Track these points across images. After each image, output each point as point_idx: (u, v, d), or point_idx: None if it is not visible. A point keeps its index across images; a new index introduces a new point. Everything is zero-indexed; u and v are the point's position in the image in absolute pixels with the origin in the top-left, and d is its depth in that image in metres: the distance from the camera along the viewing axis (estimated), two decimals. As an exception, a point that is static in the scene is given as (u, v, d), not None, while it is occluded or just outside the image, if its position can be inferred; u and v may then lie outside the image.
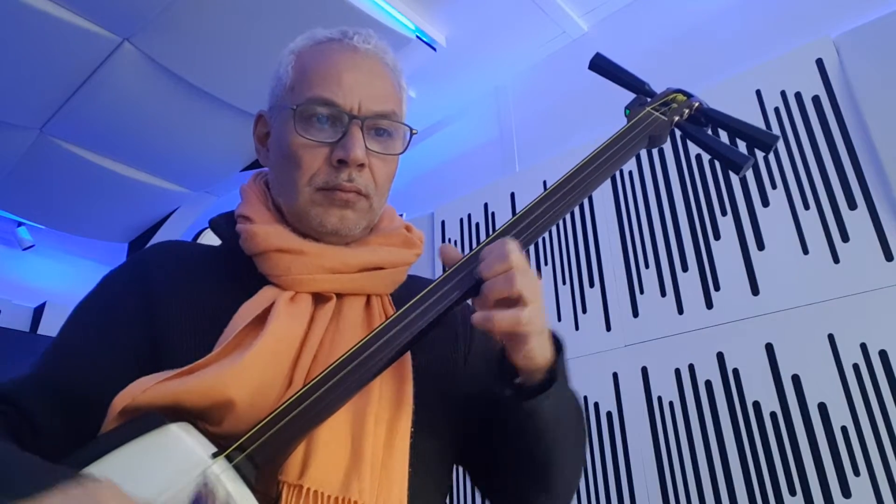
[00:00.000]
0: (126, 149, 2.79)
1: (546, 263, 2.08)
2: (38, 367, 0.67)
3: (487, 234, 0.65)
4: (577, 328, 1.93)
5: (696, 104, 0.81)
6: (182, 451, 0.52)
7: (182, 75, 2.33)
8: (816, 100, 1.65)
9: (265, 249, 0.69)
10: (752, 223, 1.66)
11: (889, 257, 1.44)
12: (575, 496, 1.79)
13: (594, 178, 0.69)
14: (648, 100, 0.81)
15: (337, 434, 0.59)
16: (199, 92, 2.42)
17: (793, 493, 1.41)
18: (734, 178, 1.74)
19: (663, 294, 1.77)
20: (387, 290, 0.75)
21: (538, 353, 0.61)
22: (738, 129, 0.78)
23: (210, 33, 2.17)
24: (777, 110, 1.70)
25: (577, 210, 2.05)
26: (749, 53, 1.88)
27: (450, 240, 2.41)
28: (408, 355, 0.67)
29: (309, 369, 0.63)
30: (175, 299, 0.69)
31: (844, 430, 1.39)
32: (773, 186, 1.66)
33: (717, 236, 1.72)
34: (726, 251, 1.69)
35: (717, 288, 1.68)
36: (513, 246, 0.60)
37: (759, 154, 1.70)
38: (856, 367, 1.41)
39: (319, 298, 0.69)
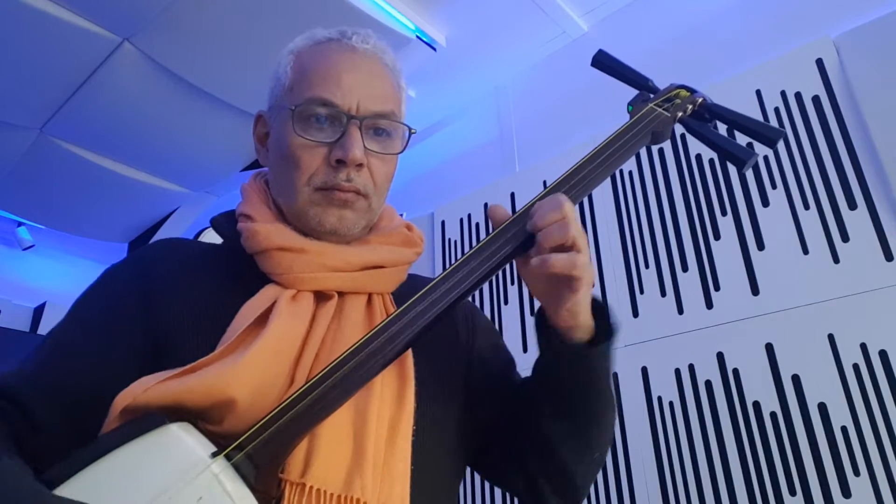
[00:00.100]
0: (126, 149, 2.79)
1: (546, 263, 2.08)
2: (39, 363, 0.66)
3: (487, 234, 0.65)
4: (577, 328, 1.92)
5: (700, 100, 0.81)
6: (182, 451, 0.52)
7: (182, 75, 2.33)
8: (816, 100, 1.65)
9: (267, 248, 0.70)
10: (752, 223, 1.66)
11: (889, 257, 1.44)
12: (575, 496, 1.79)
13: (594, 176, 0.69)
14: (651, 96, 0.81)
15: (339, 432, 0.59)
16: (199, 92, 2.42)
17: (793, 493, 1.41)
18: (734, 178, 1.74)
19: (663, 294, 1.77)
20: (388, 289, 0.75)
21: (583, 307, 0.62)
22: (742, 124, 0.78)
23: (210, 33, 2.17)
24: (777, 110, 1.70)
25: (576, 210, 2.05)
26: (749, 53, 1.88)
27: (450, 240, 2.41)
28: (409, 353, 0.67)
29: (311, 368, 0.63)
30: (176, 298, 0.69)
31: (844, 430, 1.39)
32: (773, 186, 1.66)
33: (717, 236, 1.72)
34: (726, 251, 1.69)
35: (717, 288, 1.68)
36: (565, 198, 0.62)
37: (760, 153, 1.70)
38: (856, 367, 1.41)
39: (321, 297, 0.69)
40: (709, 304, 1.68)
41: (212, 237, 0.82)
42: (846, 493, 1.35)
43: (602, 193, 2.02)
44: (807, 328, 1.50)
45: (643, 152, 1.96)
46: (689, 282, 1.73)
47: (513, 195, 2.25)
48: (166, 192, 3.11)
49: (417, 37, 2.28)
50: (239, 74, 2.35)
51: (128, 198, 3.12)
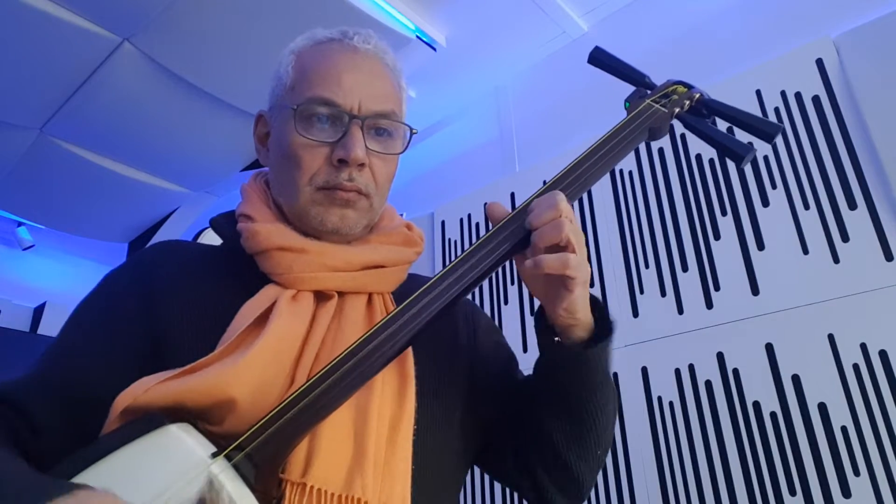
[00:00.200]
0: (126, 149, 2.79)
1: (546, 263, 2.08)
2: (39, 367, 0.67)
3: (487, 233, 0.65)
4: (577, 328, 1.92)
5: (697, 95, 0.80)
6: (182, 451, 0.52)
7: (182, 75, 2.33)
8: (816, 100, 1.65)
9: (267, 248, 0.70)
10: (752, 223, 1.66)
11: (889, 257, 1.44)
12: (575, 496, 1.79)
13: (592, 173, 0.69)
14: (648, 92, 0.81)
15: (340, 432, 0.59)
16: (199, 92, 2.42)
17: (793, 493, 1.41)
18: (734, 178, 1.74)
19: (663, 294, 1.77)
20: (388, 289, 0.75)
21: (580, 306, 0.63)
22: (740, 119, 0.78)
23: (210, 33, 2.17)
24: (777, 110, 1.70)
25: (576, 210, 2.05)
26: (749, 53, 1.88)
27: (450, 240, 2.41)
28: (409, 352, 0.67)
29: (311, 368, 0.63)
30: (176, 299, 0.69)
31: (844, 430, 1.39)
32: (773, 186, 1.66)
33: (717, 236, 1.72)
34: (726, 251, 1.69)
35: (717, 288, 1.68)
36: (561, 196, 0.62)
37: (760, 153, 1.70)
38: (856, 367, 1.41)
39: (321, 297, 0.69)
40: (709, 304, 1.68)
41: (212, 237, 0.82)
42: (846, 493, 1.35)
43: (602, 193, 2.02)
44: (807, 328, 1.50)
45: (643, 152, 1.96)
46: (689, 282, 1.73)
47: (513, 195, 2.25)
48: (166, 192, 3.11)
49: (417, 37, 2.28)
50: (239, 74, 2.35)
51: (128, 198, 3.12)
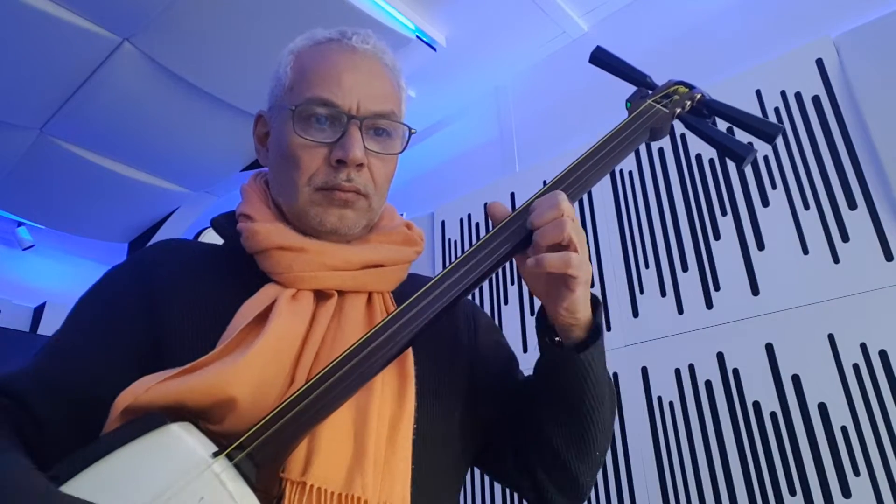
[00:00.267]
0: (126, 149, 2.79)
1: (546, 263, 2.08)
2: (40, 364, 0.67)
3: (487, 233, 0.65)
4: (577, 328, 1.92)
5: (698, 96, 0.81)
6: (183, 450, 0.52)
7: (182, 75, 2.33)
8: (816, 100, 1.65)
9: (267, 247, 0.70)
10: (752, 223, 1.67)
11: (889, 257, 1.44)
12: (575, 496, 1.79)
13: (593, 173, 0.69)
14: (650, 92, 0.81)
15: (340, 431, 0.59)
16: (199, 92, 2.42)
17: (793, 493, 1.41)
18: (734, 178, 1.74)
19: (663, 294, 1.77)
20: (388, 288, 0.75)
21: (581, 305, 0.63)
22: (740, 119, 0.78)
23: (210, 33, 2.17)
24: (777, 110, 1.70)
25: (576, 210, 2.05)
26: (749, 53, 1.88)
27: (450, 240, 2.41)
28: (409, 352, 0.67)
29: (311, 367, 0.63)
30: (176, 298, 0.69)
31: (844, 430, 1.39)
32: (773, 186, 1.66)
33: (717, 236, 1.72)
34: (726, 251, 1.69)
35: (717, 288, 1.68)
36: (563, 196, 0.62)
37: (760, 153, 1.70)
38: (856, 367, 1.41)
39: (321, 296, 0.69)
40: (709, 304, 1.68)
41: (212, 237, 0.82)
42: (846, 493, 1.35)
43: (602, 193, 2.02)
44: (807, 328, 1.50)
45: (643, 152, 1.96)
46: (689, 282, 1.73)
47: (513, 195, 2.25)
48: (166, 192, 3.11)
49: (417, 37, 2.28)
50: (239, 74, 2.35)
51: (128, 198, 3.12)
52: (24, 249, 3.62)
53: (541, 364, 0.70)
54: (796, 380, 1.48)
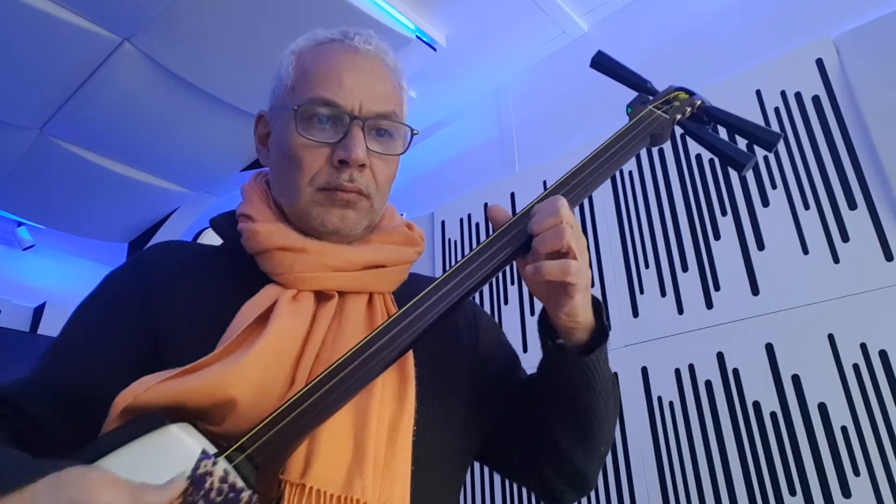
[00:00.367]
0: (126, 149, 2.79)
1: (546, 263, 2.08)
2: (39, 368, 0.67)
3: (487, 235, 0.65)
4: (577, 328, 1.92)
5: (699, 102, 0.81)
6: (182, 451, 0.52)
7: (182, 75, 2.33)
8: (816, 100, 1.65)
9: (267, 248, 0.70)
10: (752, 223, 1.67)
11: (889, 257, 1.44)
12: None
13: (593, 178, 0.69)
14: (650, 98, 0.81)
15: (339, 433, 0.59)
16: (199, 92, 2.42)
17: (793, 493, 1.41)
18: (734, 178, 1.74)
19: (663, 294, 1.77)
20: (389, 288, 0.75)
21: (581, 310, 0.63)
22: (740, 127, 0.78)
23: (210, 33, 2.16)
24: (777, 110, 1.70)
25: (577, 210, 2.05)
26: (749, 53, 1.88)
27: (450, 240, 2.41)
28: (409, 353, 0.67)
29: (311, 368, 0.63)
30: (176, 299, 0.69)
31: (844, 430, 1.39)
32: (773, 186, 1.66)
33: (717, 236, 1.72)
34: (726, 251, 1.69)
35: (717, 288, 1.68)
36: (563, 202, 0.63)
37: (760, 153, 1.70)
38: (856, 367, 1.41)
39: (322, 296, 0.69)
40: (709, 304, 1.68)
41: (212, 238, 0.82)
42: (846, 493, 1.35)
43: (602, 194, 2.02)
44: (807, 328, 1.50)
45: (643, 152, 1.96)
46: (689, 282, 1.73)
47: (513, 195, 2.25)
48: (166, 192, 3.11)
49: (417, 37, 2.28)
50: (239, 74, 2.35)
51: (128, 198, 3.12)
52: (24, 249, 3.62)
53: (545, 365, 0.70)
54: (796, 380, 1.48)
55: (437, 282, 0.62)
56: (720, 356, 1.61)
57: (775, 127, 1.68)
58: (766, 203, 1.66)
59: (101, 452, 0.52)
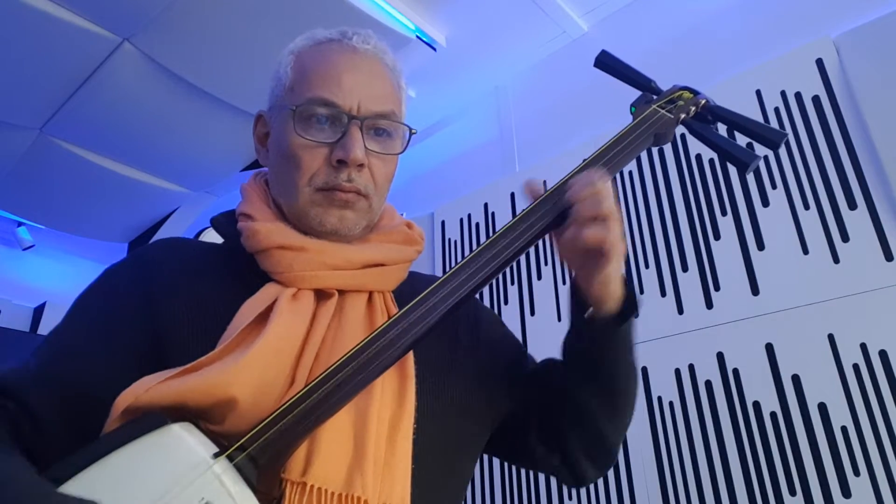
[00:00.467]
0: (126, 149, 2.79)
1: (546, 263, 2.08)
2: (40, 363, 0.66)
3: (487, 235, 0.66)
4: (577, 328, 1.92)
5: (703, 101, 0.81)
6: (183, 451, 0.52)
7: (182, 75, 2.33)
8: (816, 100, 1.65)
9: (267, 246, 0.70)
10: (752, 223, 1.67)
11: (889, 257, 1.44)
12: (574, 495, 1.79)
13: None
14: (654, 97, 0.81)
15: (339, 432, 0.59)
16: (199, 92, 2.42)
17: (793, 493, 1.41)
18: (734, 179, 1.74)
19: (663, 294, 1.77)
20: (389, 287, 0.75)
21: (614, 279, 0.65)
22: (744, 126, 0.78)
23: (210, 33, 2.17)
24: (777, 110, 1.70)
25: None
26: (749, 53, 1.89)
27: (450, 240, 2.41)
28: (410, 352, 0.67)
29: (312, 367, 0.63)
30: (176, 297, 0.69)
31: (844, 430, 1.39)
32: (773, 186, 1.66)
33: (717, 236, 1.72)
34: (726, 251, 1.69)
35: (717, 288, 1.68)
36: (600, 173, 0.64)
37: (760, 153, 1.70)
38: (856, 367, 1.41)
39: (321, 295, 0.69)
40: (709, 304, 1.68)
41: (212, 237, 0.82)
42: (846, 493, 1.35)
43: (602, 193, 2.01)
44: (807, 328, 1.50)
45: (644, 152, 1.96)
46: (689, 282, 1.73)
47: (513, 195, 2.25)
48: (166, 192, 3.11)
49: (417, 37, 2.28)
50: (239, 74, 2.36)
51: (128, 198, 3.12)
52: (24, 249, 3.62)
53: (573, 339, 0.72)
54: (796, 380, 1.48)
55: (441, 279, 0.62)
56: (720, 356, 1.61)
57: (775, 127, 1.68)
58: (766, 203, 1.66)
59: (103, 452, 0.52)
